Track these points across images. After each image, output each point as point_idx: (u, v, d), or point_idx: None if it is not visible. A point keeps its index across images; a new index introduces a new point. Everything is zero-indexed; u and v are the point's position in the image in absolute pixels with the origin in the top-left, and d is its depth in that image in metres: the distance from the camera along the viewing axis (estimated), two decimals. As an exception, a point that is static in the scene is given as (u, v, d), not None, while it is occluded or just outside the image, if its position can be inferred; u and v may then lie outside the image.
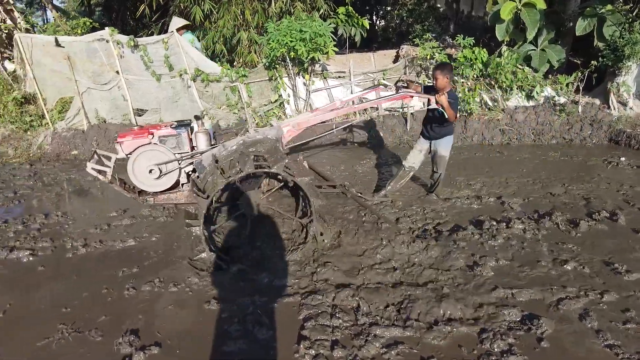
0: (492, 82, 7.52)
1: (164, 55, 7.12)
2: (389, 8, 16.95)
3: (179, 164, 3.66)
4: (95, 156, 3.81)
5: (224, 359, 2.43)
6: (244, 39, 9.05)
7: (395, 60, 8.72)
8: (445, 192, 4.90)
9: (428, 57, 7.55)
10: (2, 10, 10.62)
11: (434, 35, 9.41)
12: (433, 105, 4.01)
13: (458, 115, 4.57)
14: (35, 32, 11.06)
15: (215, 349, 2.49)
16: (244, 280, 3.19)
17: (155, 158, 3.69)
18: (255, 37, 9.10)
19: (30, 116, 9.02)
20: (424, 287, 3.03)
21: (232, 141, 3.71)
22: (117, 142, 3.70)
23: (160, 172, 3.63)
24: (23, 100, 9.52)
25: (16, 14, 10.92)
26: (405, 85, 4.40)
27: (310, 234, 3.60)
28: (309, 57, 6.85)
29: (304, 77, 7.28)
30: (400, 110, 7.57)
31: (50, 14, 15.90)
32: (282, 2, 8.93)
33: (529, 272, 3.20)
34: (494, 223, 4.00)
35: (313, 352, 2.40)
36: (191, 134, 3.81)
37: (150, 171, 3.61)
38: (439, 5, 12.99)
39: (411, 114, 7.40)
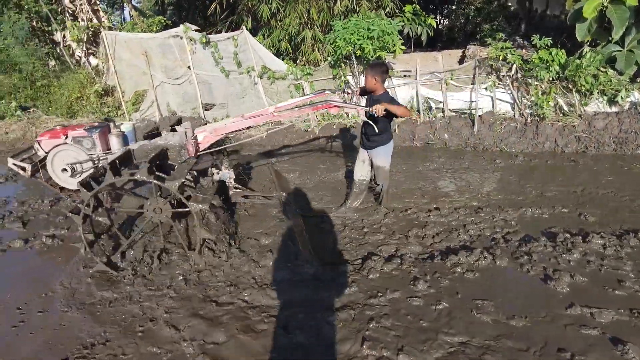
0: (570, 86, 7.03)
1: (233, 52, 7.37)
2: (454, 7, 16.43)
3: (94, 163, 3.79)
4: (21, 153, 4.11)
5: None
6: (308, 38, 9.16)
7: (461, 61, 8.43)
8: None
9: (500, 57, 7.21)
10: (89, 10, 11.55)
11: (504, 35, 8.98)
12: (365, 117, 3.75)
13: (403, 109, 3.74)
14: (105, 27, 11.93)
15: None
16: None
17: (69, 157, 3.88)
18: (320, 35, 9.19)
19: (108, 107, 9.74)
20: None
21: (137, 144, 3.94)
22: (37, 141, 3.94)
23: (74, 171, 3.74)
24: (103, 92, 10.30)
25: (101, 14, 11.82)
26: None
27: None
28: (375, 56, 6.78)
29: (368, 76, 7.22)
30: (468, 112, 7.30)
31: (127, 14, 17.02)
32: (348, 0, 8.92)
33: (610, 292, 2.96)
34: (569, 236, 3.75)
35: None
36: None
37: (63, 170, 3.75)
38: (509, 4, 12.38)
39: (479, 116, 7.11)
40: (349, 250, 3.76)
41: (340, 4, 9.18)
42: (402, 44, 7.20)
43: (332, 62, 7.39)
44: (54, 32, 11.87)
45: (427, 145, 7.15)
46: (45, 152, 4.08)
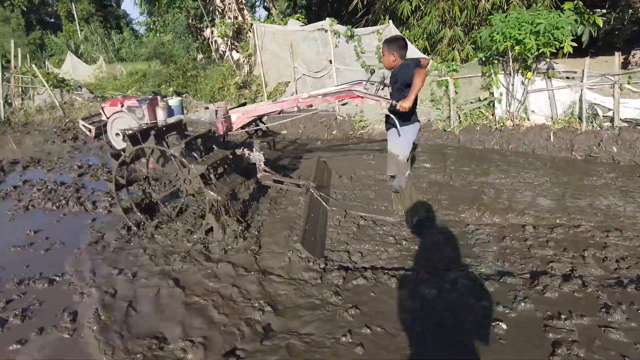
0: None
1: (376, 46, 7.26)
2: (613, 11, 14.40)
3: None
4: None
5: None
6: (447, 36, 8.73)
7: (624, 67, 7.30)
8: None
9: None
10: (236, 9, 12.53)
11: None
12: (387, 109, 3.51)
13: (420, 79, 3.20)
14: (248, 24, 12.77)
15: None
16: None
17: (123, 123, 4.46)
18: (460, 34, 8.69)
19: (245, 99, 10.40)
20: None
21: (174, 117, 4.30)
22: (101, 107, 4.72)
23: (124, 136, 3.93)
24: (242, 84, 11.06)
25: (245, 12, 12.75)
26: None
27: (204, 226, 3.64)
28: (537, 53, 6.09)
29: (524, 75, 6.53)
30: (645, 121, 6.17)
31: (259, 12, 18.10)
32: (497, -4, 8.29)
33: None
34: None
35: None
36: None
37: (116, 134, 4.08)
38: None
39: (663, 127, 5.97)
40: (512, 262, 3.31)
41: (487, 1, 8.57)
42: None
43: (482, 59, 6.84)
44: (204, 29, 13.16)
45: (590, 158, 6.20)
46: (107, 118, 4.80)
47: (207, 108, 4.48)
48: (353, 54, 7.54)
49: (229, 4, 12.56)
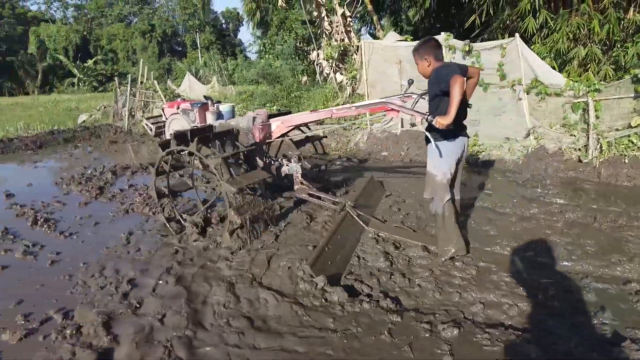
0: None
1: (498, 62, 6.48)
2: None
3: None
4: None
5: None
6: (580, 55, 7.54)
7: None
8: None
9: None
10: (343, 31, 12.59)
11: None
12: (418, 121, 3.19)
13: (458, 87, 2.64)
14: (354, 46, 12.69)
15: None
16: None
17: (178, 125, 4.93)
18: (598, 52, 7.45)
19: (345, 120, 10.15)
20: None
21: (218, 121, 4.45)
22: (162, 108, 5.30)
23: None
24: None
25: (352, 34, 12.74)
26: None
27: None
28: None
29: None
30: None
31: (365, 37, 18.11)
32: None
33: None
34: None
35: None
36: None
37: (171, 134, 4.07)
38: None
39: None
40: None
41: (638, 13, 7.26)
42: None
43: (638, 77, 5.66)
44: (311, 52, 13.46)
45: None
46: (165, 118, 5.33)
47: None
48: (470, 71, 6.83)
49: (337, 26, 12.68)
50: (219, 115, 4.78)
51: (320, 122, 8.38)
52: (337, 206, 4.10)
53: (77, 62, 39.91)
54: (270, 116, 4.43)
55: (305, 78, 13.53)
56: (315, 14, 12.86)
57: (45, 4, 48.82)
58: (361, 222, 3.93)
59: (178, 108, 5.25)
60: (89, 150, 9.64)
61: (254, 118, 4.23)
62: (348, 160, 7.15)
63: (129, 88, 11.07)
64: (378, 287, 3.05)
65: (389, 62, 7.53)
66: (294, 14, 12.15)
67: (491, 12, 8.76)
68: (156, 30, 41.43)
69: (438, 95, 2.97)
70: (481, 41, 9.64)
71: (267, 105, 11.51)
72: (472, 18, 9.05)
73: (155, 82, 11.28)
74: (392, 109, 3.44)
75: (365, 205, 4.30)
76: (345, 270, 3.31)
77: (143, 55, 40.03)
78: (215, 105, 4.86)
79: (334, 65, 12.18)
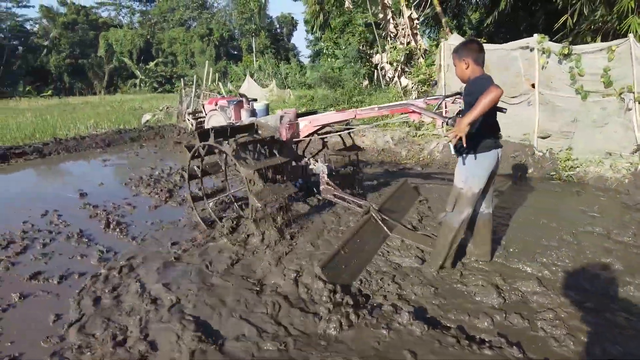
0: None
1: (604, 67, 5.71)
2: None
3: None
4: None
5: None
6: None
7: None
8: None
9: None
10: (410, 34, 12.05)
11: None
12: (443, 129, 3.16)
13: (491, 96, 2.43)
14: (421, 49, 12.10)
15: None
16: None
17: (215, 121, 5.23)
18: None
19: (409, 125, 9.62)
20: None
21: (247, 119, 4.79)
22: (202, 105, 5.38)
23: None
24: (408, 111, 10.35)
25: (418, 37, 12.17)
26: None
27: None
28: None
29: None
30: None
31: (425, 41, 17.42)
32: None
33: None
34: None
35: None
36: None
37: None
38: None
39: None
40: None
41: None
42: None
43: None
44: (374, 55, 13.03)
45: None
46: (205, 114, 5.59)
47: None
48: (564, 77, 6.08)
49: (403, 29, 12.16)
50: (253, 113, 4.93)
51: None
52: (362, 209, 4.05)
53: (140, 64, 42.06)
54: (299, 115, 4.43)
55: (366, 82, 13.10)
56: (380, 16, 12.41)
57: (115, 10, 51.88)
58: (385, 228, 3.84)
59: (216, 105, 5.47)
60: (154, 151, 9.76)
61: (282, 117, 4.25)
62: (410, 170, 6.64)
63: (193, 89, 11.19)
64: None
65: (470, 66, 6.92)
66: (358, 17, 11.76)
67: (585, 12, 7.90)
68: (214, 34, 42.64)
69: (473, 106, 2.65)
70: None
71: (326, 109, 11.20)
72: (563, 19, 8.20)
73: (221, 84, 11.32)
74: (414, 112, 3.34)
75: (393, 210, 4.20)
76: (358, 276, 3.24)
77: (201, 58, 41.43)
78: (250, 103, 5.13)
79: (399, 68, 11.67)
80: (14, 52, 40.40)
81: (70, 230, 4.51)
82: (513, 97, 6.59)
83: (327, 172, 4.38)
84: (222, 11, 50.28)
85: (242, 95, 5.75)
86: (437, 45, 10.19)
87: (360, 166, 5.40)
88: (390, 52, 11.81)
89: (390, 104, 3.65)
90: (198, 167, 4.32)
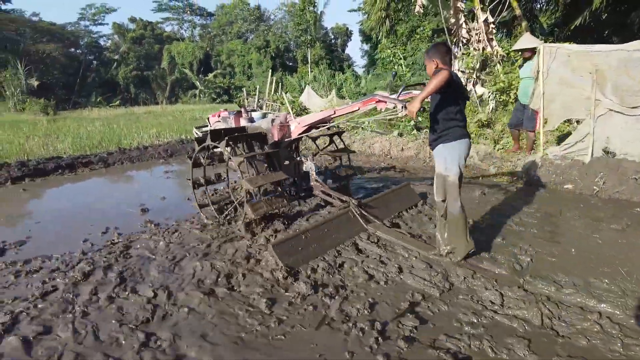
0: None
1: None
2: None
3: None
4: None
5: None
6: None
7: None
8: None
9: None
10: (485, 39, 11.06)
11: None
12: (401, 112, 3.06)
13: (438, 78, 2.79)
14: (497, 55, 11.01)
15: None
16: None
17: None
18: None
19: (486, 138, 8.72)
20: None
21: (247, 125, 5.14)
22: (207, 118, 6.29)
23: None
24: (485, 122, 9.39)
25: (494, 42, 11.14)
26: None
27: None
28: None
29: None
30: None
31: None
32: None
33: None
34: None
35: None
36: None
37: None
38: None
39: None
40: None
41: None
42: None
43: None
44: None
45: None
46: (210, 125, 5.83)
47: None
48: None
49: (477, 34, 11.18)
50: (251, 121, 5.18)
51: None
52: (343, 204, 4.29)
53: (200, 76, 43.57)
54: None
55: (434, 91, 12.22)
56: (452, 20, 11.51)
57: (178, 24, 54.50)
58: (361, 221, 4.03)
59: (218, 116, 5.84)
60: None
61: (273, 120, 4.63)
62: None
63: (256, 100, 10.89)
64: None
65: (577, 72, 5.89)
66: (429, 23, 10.94)
67: None
68: (270, 46, 43.27)
69: (433, 95, 3.05)
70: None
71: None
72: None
73: (284, 94, 10.94)
74: (380, 100, 3.50)
75: (377, 208, 4.37)
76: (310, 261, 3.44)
77: (258, 69, 42.18)
78: (248, 113, 5.35)
79: (473, 76, 10.68)
80: (89, 66, 43.57)
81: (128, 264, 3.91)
82: (634, 108, 5.48)
83: (315, 170, 4.81)
84: (278, 23, 51.16)
85: (240, 106, 6.35)
86: (515, 51, 9.19)
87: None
88: (464, 59, 10.86)
89: (361, 98, 3.96)
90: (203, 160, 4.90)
